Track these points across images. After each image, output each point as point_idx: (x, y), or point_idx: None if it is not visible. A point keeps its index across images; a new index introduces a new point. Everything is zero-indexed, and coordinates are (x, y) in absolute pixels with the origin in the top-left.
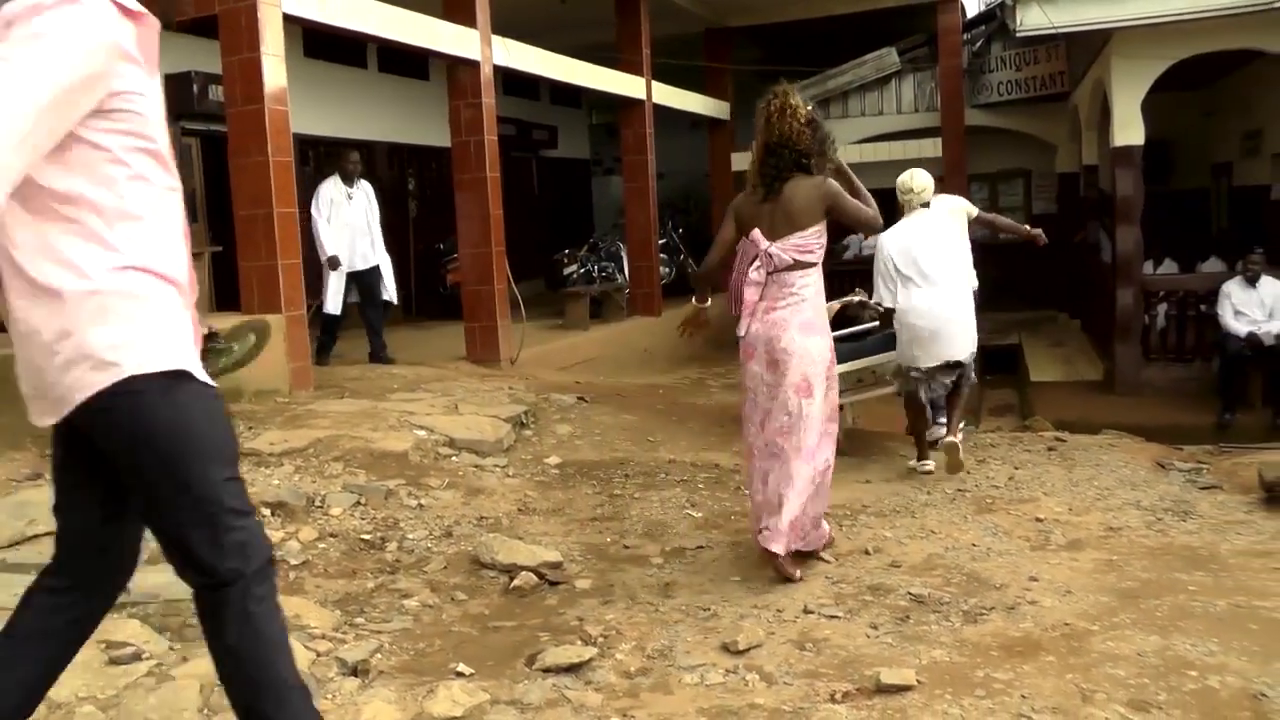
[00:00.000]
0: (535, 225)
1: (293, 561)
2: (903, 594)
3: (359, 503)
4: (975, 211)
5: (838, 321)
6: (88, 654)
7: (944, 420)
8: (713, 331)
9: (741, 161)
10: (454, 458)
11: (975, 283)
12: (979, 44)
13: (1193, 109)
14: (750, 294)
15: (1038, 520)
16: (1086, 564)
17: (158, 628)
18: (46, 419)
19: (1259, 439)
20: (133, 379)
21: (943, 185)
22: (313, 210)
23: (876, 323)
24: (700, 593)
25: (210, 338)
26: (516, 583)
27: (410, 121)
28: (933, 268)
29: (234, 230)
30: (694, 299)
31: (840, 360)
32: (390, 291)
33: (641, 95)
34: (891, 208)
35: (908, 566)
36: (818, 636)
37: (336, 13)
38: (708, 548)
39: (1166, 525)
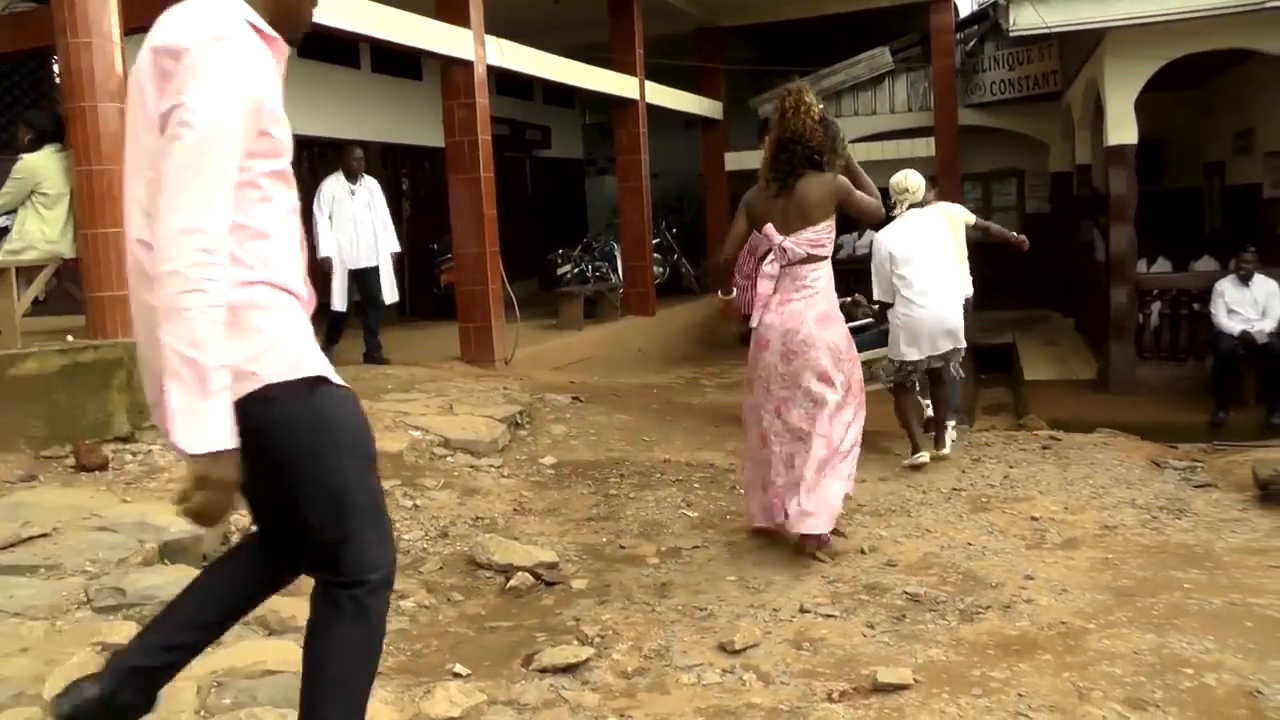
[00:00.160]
0: (529, 225)
1: None
2: (899, 593)
3: None
4: (973, 219)
5: None
6: (85, 655)
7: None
8: (702, 332)
9: (735, 161)
10: (449, 458)
11: (970, 290)
12: (972, 43)
13: (1185, 108)
14: (765, 286)
15: (1033, 519)
16: (1082, 562)
17: None
18: None
19: (1253, 437)
20: (269, 387)
21: (936, 185)
22: (314, 208)
23: (871, 320)
24: (696, 592)
25: None
26: (513, 583)
27: (404, 122)
28: (925, 265)
29: None
30: (719, 293)
31: None
32: (390, 291)
33: (635, 95)
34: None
35: (904, 565)
36: (814, 636)
37: (329, 13)
38: (704, 547)
39: (1162, 523)
